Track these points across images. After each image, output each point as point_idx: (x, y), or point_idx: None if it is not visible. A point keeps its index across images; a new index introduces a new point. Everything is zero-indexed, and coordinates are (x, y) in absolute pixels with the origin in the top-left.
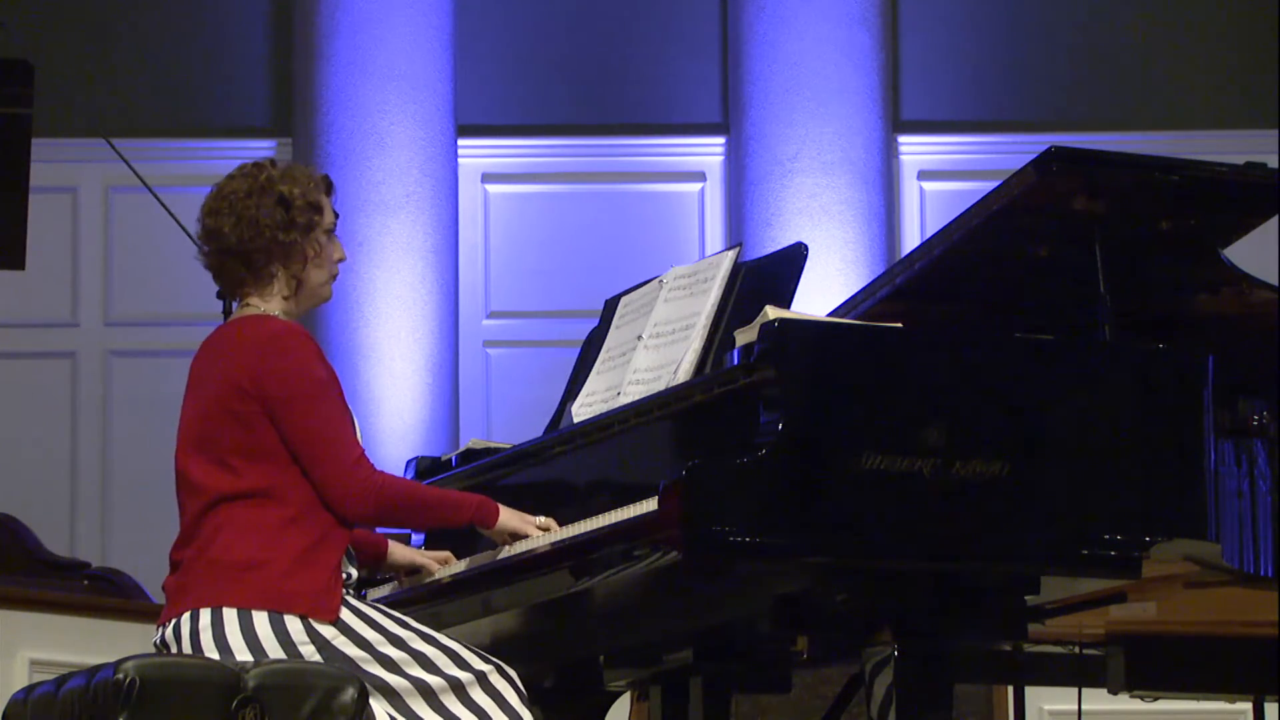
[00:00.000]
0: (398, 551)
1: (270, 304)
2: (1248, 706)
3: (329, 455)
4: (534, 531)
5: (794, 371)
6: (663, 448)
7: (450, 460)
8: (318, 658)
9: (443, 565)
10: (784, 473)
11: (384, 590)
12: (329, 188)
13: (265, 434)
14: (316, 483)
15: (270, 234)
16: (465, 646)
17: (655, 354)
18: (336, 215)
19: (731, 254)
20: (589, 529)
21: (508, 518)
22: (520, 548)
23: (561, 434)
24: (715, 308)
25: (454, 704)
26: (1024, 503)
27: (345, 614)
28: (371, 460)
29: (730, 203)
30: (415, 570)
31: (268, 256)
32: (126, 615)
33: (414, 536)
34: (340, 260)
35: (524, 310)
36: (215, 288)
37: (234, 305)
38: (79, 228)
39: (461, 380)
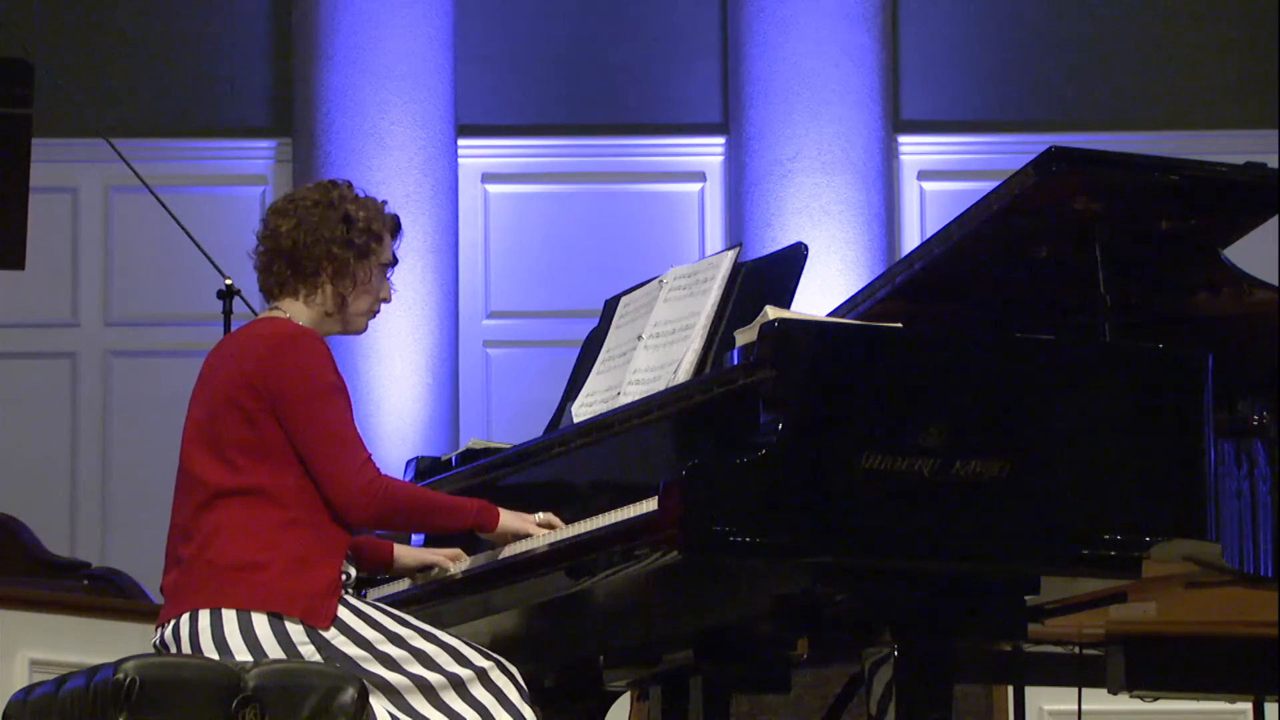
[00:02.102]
0: (405, 554)
1: (309, 312)
2: (1248, 706)
3: (336, 457)
4: (535, 530)
5: (794, 371)
6: (663, 448)
7: (450, 460)
8: (317, 658)
9: (454, 561)
10: (784, 472)
11: (384, 589)
12: (395, 228)
13: (270, 432)
14: (321, 484)
15: (325, 246)
16: (466, 643)
17: (655, 354)
18: (395, 259)
19: (731, 254)
20: (589, 529)
21: (508, 520)
22: (521, 548)
23: (561, 434)
24: (715, 308)
25: (455, 701)
26: (1024, 503)
27: (345, 613)
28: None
29: (730, 203)
30: (427, 568)
31: (317, 266)
32: (126, 615)
33: (413, 536)
34: (385, 300)
35: (524, 310)
36: (215, 287)
37: (235, 306)
38: (79, 228)
39: (461, 380)
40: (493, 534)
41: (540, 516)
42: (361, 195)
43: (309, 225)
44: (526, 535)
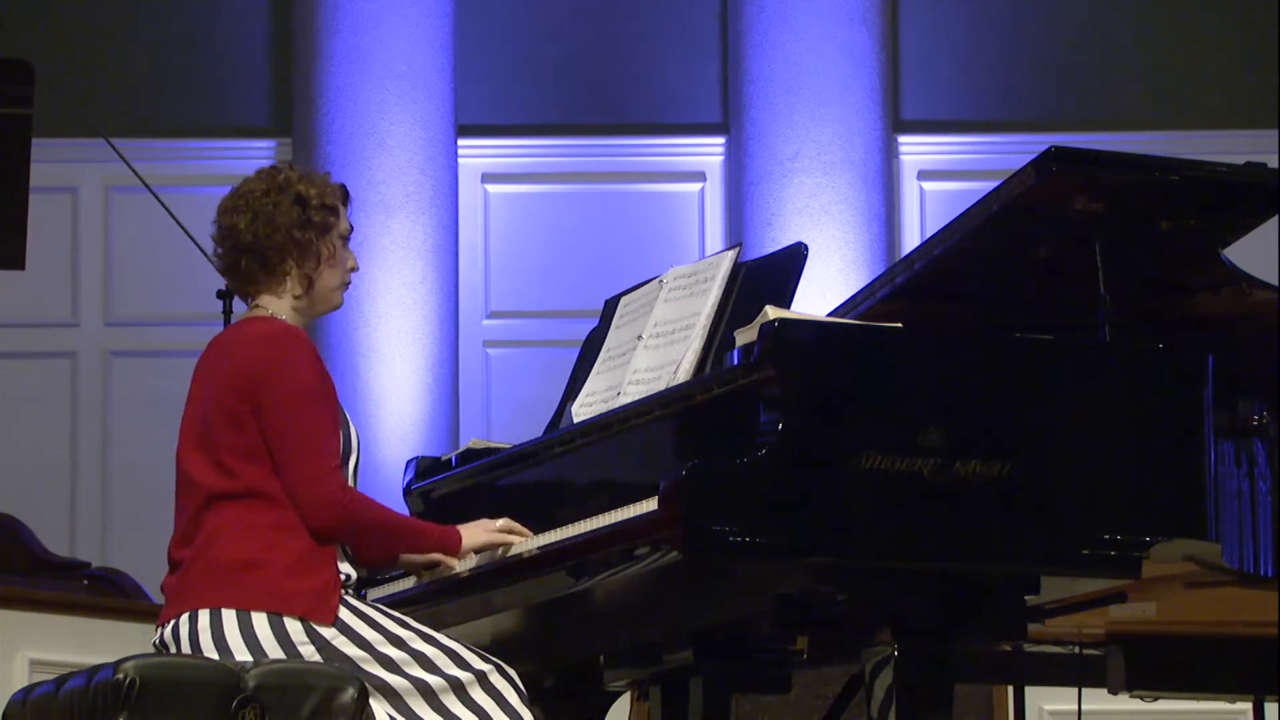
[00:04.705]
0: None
1: (282, 303)
2: (1248, 706)
3: (301, 460)
4: (499, 537)
5: (794, 371)
6: (663, 448)
7: (450, 460)
8: (317, 658)
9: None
10: (784, 472)
11: (384, 590)
12: (345, 197)
13: (257, 435)
14: (286, 485)
15: (286, 231)
16: (465, 646)
17: (655, 354)
18: (351, 227)
19: (731, 254)
20: (589, 529)
21: (470, 537)
22: (520, 548)
23: (561, 434)
24: (715, 308)
25: (454, 704)
26: (1024, 502)
27: (345, 614)
28: (370, 467)
29: (730, 203)
30: (434, 564)
31: (282, 254)
32: (126, 615)
33: None
34: (353, 269)
35: (524, 310)
36: (215, 287)
37: (235, 306)
38: (79, 228)
39: (461, 380)
40: (460, 555)
41: (500, 523)
42: (305, 171)
43: (265, 215)
44: (493, 545)
